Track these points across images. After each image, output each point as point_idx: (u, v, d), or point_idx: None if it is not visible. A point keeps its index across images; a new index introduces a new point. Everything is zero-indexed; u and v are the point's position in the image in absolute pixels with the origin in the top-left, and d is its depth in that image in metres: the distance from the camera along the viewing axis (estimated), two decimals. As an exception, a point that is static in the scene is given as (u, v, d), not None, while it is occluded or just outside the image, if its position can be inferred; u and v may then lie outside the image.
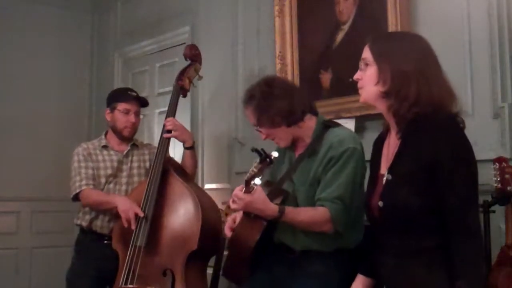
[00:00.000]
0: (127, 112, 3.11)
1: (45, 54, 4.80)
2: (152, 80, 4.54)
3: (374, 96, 1.71)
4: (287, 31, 3.23)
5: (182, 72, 3.17)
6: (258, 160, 2.07)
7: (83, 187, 3.01)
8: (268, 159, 2.05)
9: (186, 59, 3.21)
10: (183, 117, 4.13)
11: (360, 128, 2.88)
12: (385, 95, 1.68)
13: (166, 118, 3.06)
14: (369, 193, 1.82)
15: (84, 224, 3.08)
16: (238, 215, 2.34)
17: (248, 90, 2.33)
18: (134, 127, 3.16)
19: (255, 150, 2.11)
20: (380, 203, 1.69)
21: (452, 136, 1.61)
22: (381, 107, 1.72)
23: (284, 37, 3.24)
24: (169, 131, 2.99)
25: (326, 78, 3.05)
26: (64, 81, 4.89)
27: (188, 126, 4.05)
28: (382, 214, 1.70)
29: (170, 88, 4.25)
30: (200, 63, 3.23)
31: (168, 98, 4.26)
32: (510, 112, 2.38)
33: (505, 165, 2.15)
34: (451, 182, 1.58)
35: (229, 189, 3.65)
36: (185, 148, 3.06)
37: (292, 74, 3.20)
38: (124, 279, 2.74)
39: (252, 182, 2.07)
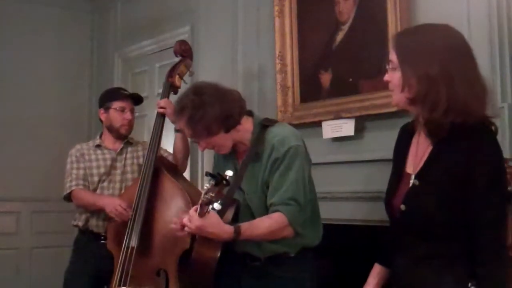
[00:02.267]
0: (122, 110, 3.13)
1: (45, 54, 4.81)
2: (152, 80, 4.54)
3: (403, 103, 1.65)
4: (287, 31, 3.23)
5: (172, 69, 3.16)
6: (213, 182, 1.92)
7: (73, 188, 3.05)
8: (224, 181, 1.92)
9: (176, 55, 3.19)
10: (183, 117, 4.14)
11: (360, 128, 2.87)
12: (412, 102, 1.61)
13: (157, 117, 3.06)
14: (391, 190, 1.76)
15: (81, 224, 3.11)
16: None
17: (177, 102, 2.22)
18: (131, 124, 3.19)
19: (209, 174, 1.97)
20: (403, 207, 1.66)
21: (488, 149, 1.56)
22: (413, 112, 1.67)
23: (284, 37, 3.23)
24: (163, 114, 3.01)
25: (326, 78, 3.05)
26: (64, 81, 4.89)
27: (188, 126, 4.06)
28: (403, 217, 1.68)
29: (170, 88, 4.28)
30: (191, 59, 3.21)
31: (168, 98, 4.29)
32: (510, 112, 2.37)
33: (505, 165, 2.15)
34: (486, 199, 1.54)
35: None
36: (176, 130, 3.05)
37: (292, 74, 3.20)
38: (118, 280, 2.74)
39: (210, 207, 1.95)
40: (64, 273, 3.16)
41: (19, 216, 4.65)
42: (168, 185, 2.86)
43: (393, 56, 1.64)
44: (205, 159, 3.87)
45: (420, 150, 1.69)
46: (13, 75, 4.64)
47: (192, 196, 2.81)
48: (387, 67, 1.66)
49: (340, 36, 2.98)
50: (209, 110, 2.12)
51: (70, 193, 3.07)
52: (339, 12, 2.98)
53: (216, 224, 1.99)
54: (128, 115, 3.14)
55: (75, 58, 5.00)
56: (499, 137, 2.36)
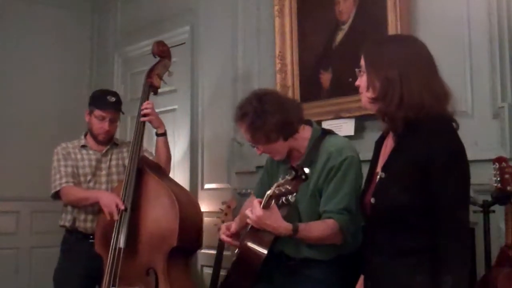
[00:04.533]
0: (102, 119, 3.12)
1: (45, 54, 4.80)
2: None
3: (367, 102, 1.78)
4: (287, 31, 3.23)
5: (150, 70, 3.17)
6: (289, 177, 1.98)
7: (63, 185, 3.04)
8: (303, 176, 1.96)
9: (154, 56, 3.20)
10: (183, 117, 4.14)
11: (360, 128, 2.88)
12: (374, 100, 1.74)
13: (138, 115, 3.05)
14: (364, 191, 1.86)
15: (68, 224, 3.11)
16: (234, 224, 2.33)
17: (240, 107, 2.27)
18: (109, 134, 3.17)
19: (291, 167, 2.01)
20: (372, 200, 1.73)
21: (445, 137, 1.65)
22: (375, 111, 1.78)
23: (284, 37, 3.24)
24: (145, 116, 3.02)
25: (326, 78, 3.05)
26: (64, 81, 4.88)
27: (188, 126, 4.06)
28: (373, 211, 1.74)
29: (170, 88, 4.28)
30: (170, 59, 3.21)
31: (168, 98, 4.29)
32: (510, 112, 2.38)
33: (505, 165, 2.15)
34: (444, 183, 1.61)
35: (229, 189, 3.66)
36: (158, 135, 3.07)
37: (292, 74, 3.20)
38: (108, 281, 2.75)
39: (284, 198, 2.01)
40: (54, 274, 3.14)
41: (19, 215, 4.64)
42: (152, 184, 2.88)
43: (362, 61, 1.80)
44: (205, 165, 3.88)
45: (387, 149, 1.80)
46: (13, 74, 4.63)
47: (176, 193, 2.83)
48: (357, 72, 1.81)
49: (340, 36, 2.99)
50: (270, 118, 2.17)
51: (59, 191, 3.05)
52: (339, 12, 2.98)
53: (277, 217, 2.05)
54: (106, 125, 3.12)
55: (75, 58, 4.99)
56: (499, 137, 2.40)
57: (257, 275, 2.16)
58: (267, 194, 2.01)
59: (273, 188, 1.99)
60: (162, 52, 3.19)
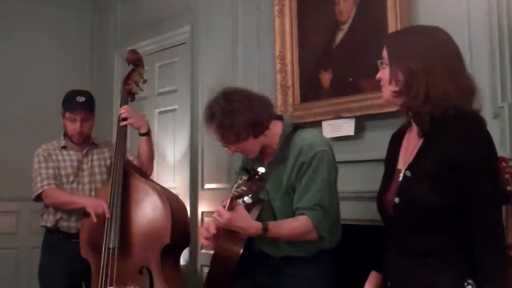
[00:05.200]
0: (73, 120, 3.12)
1: (45, 54, 4.80)
2: (152, 80, 4.54)
3: (389, 96, 1.74)
4: (287, 31, 3.23)
5: (127, 77, 3.23)
6: (245, 177, 1.98)
7: (45, 187, 3.04)
8: (257, 176, 1.96)
9: (129, 64, 3.26)
10: (183, 117, 4.14)
11: (360, 128, 2.87)
12: (398, 94, 1.70)
13: (118, 120, 3.08)
14: (383, 188, 1.80)
15: (50, 225, 3.10)
16: (212, 224, 2.30)
17: (207, 107, 2.25)
18: (82, 135, 3.16)
19: (243, 168, 2.03)
20: (396, 199, 1.69)
21: (479, 137, 1.61)
22: (399, 105, 1.75)
23: (284, 37, 3.23)
24: (124, 119, 3.04)
25: (326, 78, 3.05)
26: (64, 81, 4.86)
27: (188, 126, 4.06)
28: (397, 211, 1.70)
29: (170, 88, 4.30)
30: (143, 67, 3.28)
31: (168, 98, 4.30)
32: (510, 112, 2.38)
33: (505, 165, 2.13)
34: (478, 183, 1.58)
35: (229, 189, 3.65)
36: (141, 134, 3.09)
37: (292, 74, 3.20)
38: (101, 282, 2.77)
39: (240, 200, 2.00)
40: (38, 274, 3.14)
41: (19, 215, 4.64)
42: (139, 185, 2.92)
43: (384, 53, 1.75)
44: (205, 165, 3.88)
45: (410, 146, 1.75)
46: (13, 74, 4.63)
47: (165, 193, 2.90)
48: (379, 64, 1.77)
49: (340, 36, 2.98)
50: (239, 117, 2.15)
51: (41, 193, 3.04)
52: (339, 12, 2.98)
53: (245, 217, 2.04)
54: (77, 126, 3.12)
55: (75, 58, 4.99)
56: (499, 137, 2.39)
57: (235, 274, 2.16)
58: (230, 196, 2.00)
59: (233, 189, 1.99)
60: (136, 60, 3.26)
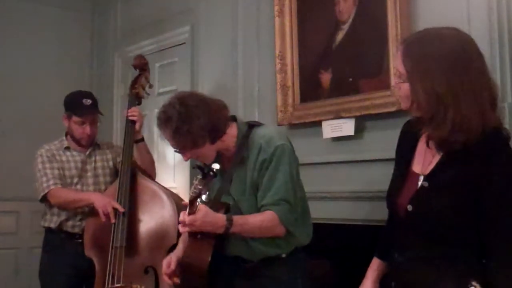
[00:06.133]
0: (82, 123, 3.11)
1: (45, 54, 4.80)
2: (152, 80, 4.53)
3: (411, 111, 1.66)
4: (287, 31, 3.22)
5: (135, 82, 3.28)
6: (200, 176, 1.92)
7: (52, 187, 3.02)
8: (211, 173, 1.92)
9: (135, 69, 3.31)
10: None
11: (360, 128, 2.87)
12: (419, 119, 1.62)
13: (127, 120, 3.11)
14: (395, 189, 1.75)
15: (53, 225, 3.08)
16: (173, 258, 2.24)
17: (162, 112, 2.15)
18: (91, 137, 3.16)
19: (197, 166, 1.96)
20: (409, 207, 1.66)
21: (503, 157, 1.56)
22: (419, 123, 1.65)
23: (284, 37, 3.23)
24: (133, 122, 3.09)
25: (326, 78, 3.05)
26: (64, 81, 4.86)
27: (188, 126, 4.05)
28: (410, 218, 1.67)
29: (171, 88, 4.29)
30: (149, 72, 3.33)
31: (168, 98, 4.28)
32: (510, 112, 2.37)
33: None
34: (501, 202, 1.55)
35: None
36: (139, 141, 3.10)
37: (292, 74, 3.20)
38: (107, 280, 2.76)
39: (198, 200, 1.96)
40: (39, 275, 3.13)
41: (19, 215, 4.64)
42: (146, 186, 2.94)
43: (400, 67, 1.62)
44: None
45: (428, 153, 1.68)
46: (13, 74, 4.63)
47: (171, 194, 2.92)
48: (395, 78, 1.68)
49: (340, 36, 2.98)
50: (196, 122, 2.08)
51: (47, 193, 3.02)
52: (339, 12, 2.98)
53: (208, 213, 1.99)
54: (87, 129, 3.11)
55: (75, 58, 4.99)
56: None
57: (206, 284, 2.10)
58: (188, 200, 1.97)
59: (190, 193, 1.97)
60: (143, 65, 3.29)
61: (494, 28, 2.43)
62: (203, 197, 1.96)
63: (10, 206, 4.57)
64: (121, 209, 2.81)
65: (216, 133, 2.13)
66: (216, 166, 1.94)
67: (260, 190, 2.13)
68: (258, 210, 2.14)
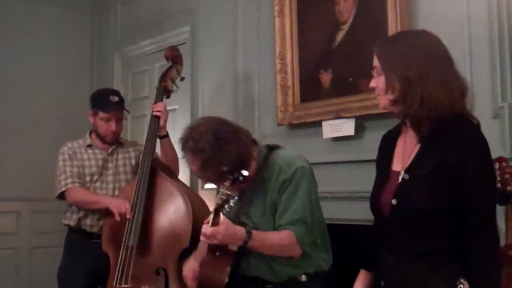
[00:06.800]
0: (108, 120, 3.10)
1: (45, 54, 4.80)
2: (152, 80, 4.53)
3: (387, 105, 1.74)
4: (287, 31, 3.23)
5: (165, 74, 3.20)
6: (228, 183, 1.91)
7: (69, 185, 3.03)
8: (241, 177, 1.92)
9: (167, 61, 3.23)
10: (183, 117, 4.14)
11: (360, 128, 2.88)
12: (395, 102, 1.71)
13: (152, 115, 3.07)
14: (378, 189, 1.81)
15: (72, 224, 3.10)
16: (195, 264, 2.25)
17: (192, 139, 2.10)
18: (116, 133, 3.16)
19: (224, 172, 1.96)
20: (394, 201, 1.70)
21: (476, 143, 1.63)
22: (396, 112, 1.76)
23: (284, 37, 3.24)
24: (158, 117, 3.03)
25: (326, 78, 3.05)
26: (64, 81, 4.88)
27: (188, 126, 4.05)
28: (394, 212, 1.70)
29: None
30: (181, 64, 3.25)
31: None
32: (510, 112, 2.38)
33: (505, 165, 2.15)
34: (478, 190, 1.61)
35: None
36: (162, 137, 3.07)
37: (292, 74, 3.20)
38: (118, 279, 2.75)
39: (226, 206, 1.95)
40: (58, 273, 3.14)
41: (19, 215, 4.64)
42: (165, 185, 2.89)
43: (376, 62, 1.76)
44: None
45: (407, 149, 1.76)
46: (13, 75, 4.63)
47: (189, 195, 2.85)
48: (372, 73, 1.77)
49: (340, 36, 2.99)
50: (228, 158, 2.06)
51: (64, 191, 3.03)
52: (339, 12, 2.98)
53: (229, 227, 1.99)
54: (113, 126, 3.10)
55: (75, 58, 4.99)
56: (499, 137, 2.39)
57: None
58: (214, 208, 1.96)
59: (215, 201, 1.95)
60: (175, 57, 3.22)
61: (494, 28, 2.43)
62: (231, 202, 1.97)
63: (10, 206, 4.57)
64: (129, 216, 2.81)
65: (242, 166, 2.08)
66: (245, 172, 1.93)
67: (278, 210, 2.14)
68: (275, 230, 2.15)
